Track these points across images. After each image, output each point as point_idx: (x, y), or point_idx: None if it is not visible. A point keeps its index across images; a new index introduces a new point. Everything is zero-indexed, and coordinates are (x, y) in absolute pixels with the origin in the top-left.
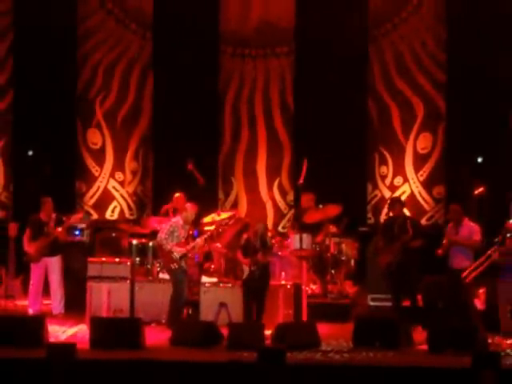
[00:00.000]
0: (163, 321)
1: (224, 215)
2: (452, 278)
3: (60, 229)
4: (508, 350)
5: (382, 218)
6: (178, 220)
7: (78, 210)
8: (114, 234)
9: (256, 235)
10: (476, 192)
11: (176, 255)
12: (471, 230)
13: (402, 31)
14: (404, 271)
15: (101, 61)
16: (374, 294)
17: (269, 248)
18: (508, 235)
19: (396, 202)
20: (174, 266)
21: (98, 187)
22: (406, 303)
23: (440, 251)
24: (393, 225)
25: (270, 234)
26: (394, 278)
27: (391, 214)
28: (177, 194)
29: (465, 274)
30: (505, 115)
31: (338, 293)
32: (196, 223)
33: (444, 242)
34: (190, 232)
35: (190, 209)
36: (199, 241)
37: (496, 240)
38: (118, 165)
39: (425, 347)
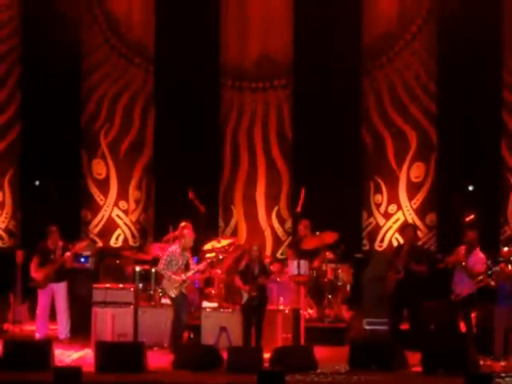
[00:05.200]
0: (165, 345)
1: (224, 242)
2: (452, 304)
3: (68, 253)
4: (502, 374)
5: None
6: (175, 248)
7: (84, 238)
8: (118, 261)
9: (254, 260)
10: (467, 219)
11: (175, 283)
12: (478, 260)
13: (396, 64)
14: (405, 295)
15: (105, 93)
16: (369, 318)
17: (268, 273)
18: (501, 260)
19: (405, 228)
20: (174, 293)
21: (103, 216)
22: (404, 327)
23: (441, 265)
24: (399, 253)
25: (268, 259)
26: (395, 300)
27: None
28: (183, 223)
29: (455, 294)
30: (494, 144)
31: (335, 317)
32: (196, 250)
33: (451, 258)
34: (190, 259)
35: (188, 235)
36: (201, 267)
37: (490, 267)
38: (122, 194)
39: (419, 369)
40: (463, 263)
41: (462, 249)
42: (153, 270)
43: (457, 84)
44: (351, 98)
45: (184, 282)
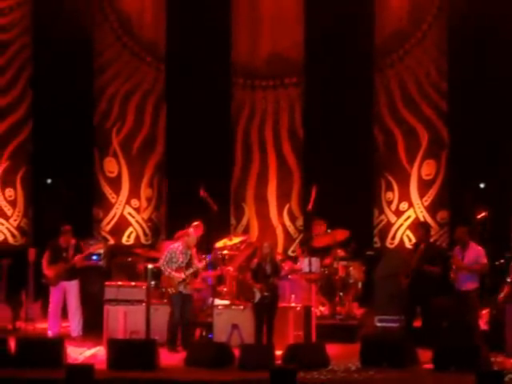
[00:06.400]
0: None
1: (236, 240)
2: (458, 300)
3: (78, 257)
4: None
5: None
6: (177, 246)
7: (99, 240)
8: (130, 259)
9: (265, 259)
10: (479, 216)
11: (175, 280)
12: (477, 253)
13: (407, 62)
14: (418, 292)
15: (117, 92)
16: (381, 315)
17: (279, 272)
18: None
19: (417, 226)
20: (172, 290)
21: (115, 214)
22: (417, 324)
23: (452, 275)
24: (416, 250)
25: (279, 257)
26: (409, 298)
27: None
28: (195, 223)
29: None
30: (505, 141)
31: (346, 314)
32: (208, 248)
33: (453, 266)
34: (203, 256)
35: (192, 234)
36: (200, 266)
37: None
38: (134, 192)
39: (430, 366)
40: (464, 266)
41: (457, 250)
42: None
43: (468, 81)
44: (362, 96)
45: (183, 280)
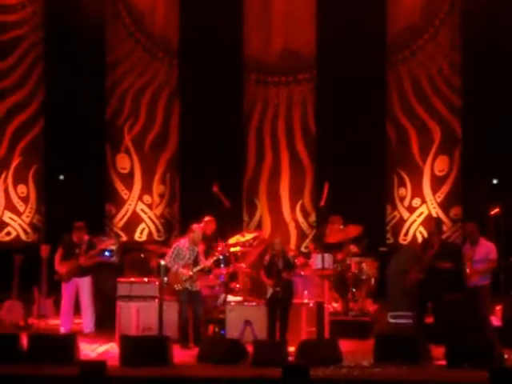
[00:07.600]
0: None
1: (248, 236)
2: (470, 296)
3: (83, 257)
4: None
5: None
6: (183, 242)
7: (110, 235)
8: (142, 255)
9: (278, 254)
10: (492, 213)
11: (182, 277)
12: (488, 249)
13: (419, 58)
14: (430, 289)
15: (129, 88)
16: (394, 311)
17: (292, 266)
18: None
19: (430, 221)
20: (178, 287)
21: (127, 210)
22: (429, 320)
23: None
24: (427, 245)
25: (292, 253)
26: (421, 294)
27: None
28: (207, 218)
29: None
30: None
31: (359, 310)
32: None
33: (468, 271)
34: (201, 255)
35: (197, 230)
36: (207, 264)
37: None
38: (146, 188)
39: (443, 363)
40: (476, 270)
41: (467, 248)
42: None
43: (481, 77)
44: (375, 92)
45: (191, 277)
